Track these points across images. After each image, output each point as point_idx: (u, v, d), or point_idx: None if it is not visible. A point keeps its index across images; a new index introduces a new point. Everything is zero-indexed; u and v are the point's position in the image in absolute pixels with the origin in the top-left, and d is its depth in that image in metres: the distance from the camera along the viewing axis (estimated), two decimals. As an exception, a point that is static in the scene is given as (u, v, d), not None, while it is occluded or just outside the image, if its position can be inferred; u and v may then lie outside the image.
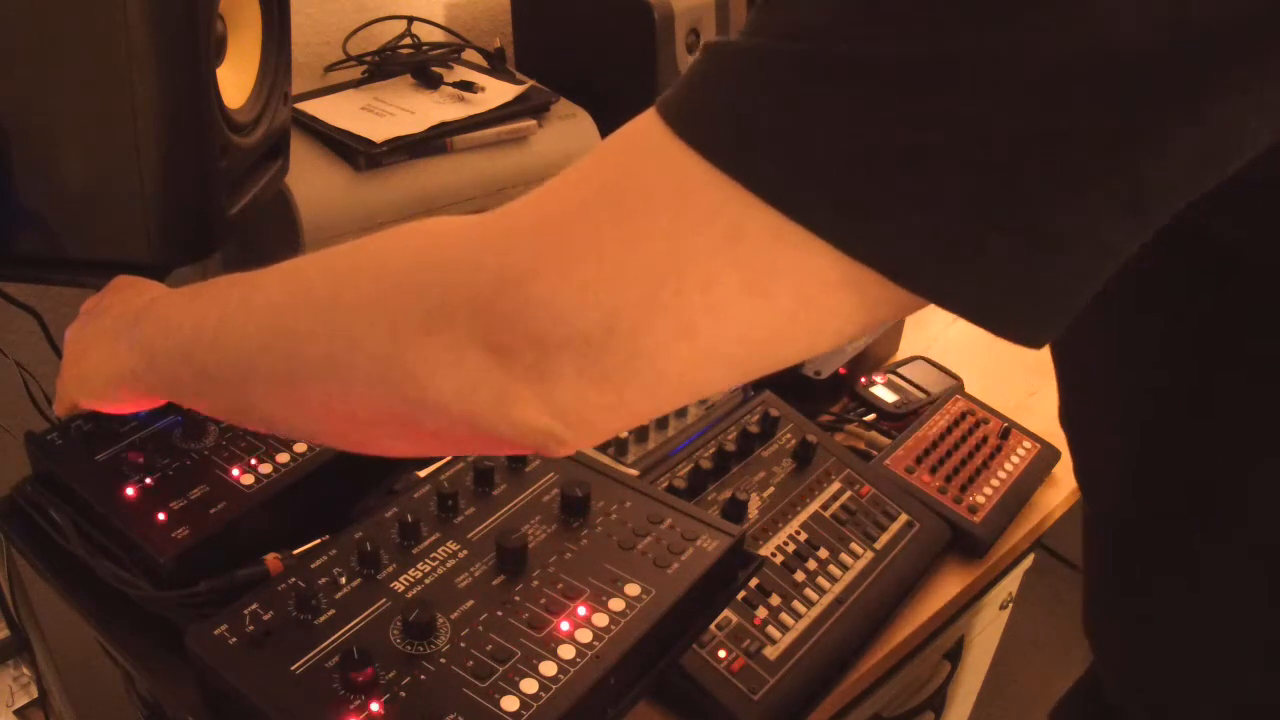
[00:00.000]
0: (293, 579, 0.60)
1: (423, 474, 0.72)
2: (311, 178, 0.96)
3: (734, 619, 0.75)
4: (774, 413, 0.91)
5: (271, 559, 0.64)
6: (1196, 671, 0.56)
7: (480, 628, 0.58)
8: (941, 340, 1.20)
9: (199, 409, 0.58)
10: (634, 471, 0.83)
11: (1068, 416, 0.64)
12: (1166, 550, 0.55)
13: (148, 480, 0.67)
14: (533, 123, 1.08)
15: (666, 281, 0.35)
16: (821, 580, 0.80)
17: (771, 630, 0.75)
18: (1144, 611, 0.59)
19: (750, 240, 0.34)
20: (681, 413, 0.93)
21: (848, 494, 0.88)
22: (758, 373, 0.38)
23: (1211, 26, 0.29)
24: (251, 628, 0.57)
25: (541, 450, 0.40)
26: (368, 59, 1.17)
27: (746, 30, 0.35)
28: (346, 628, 0.58)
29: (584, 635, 0.58)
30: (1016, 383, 1.13)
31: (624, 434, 0.89)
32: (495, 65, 1.20)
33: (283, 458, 0.70)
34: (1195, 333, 0.49)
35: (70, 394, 0.64)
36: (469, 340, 0.38)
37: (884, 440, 1.00)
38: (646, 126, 0.36)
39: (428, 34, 1.23)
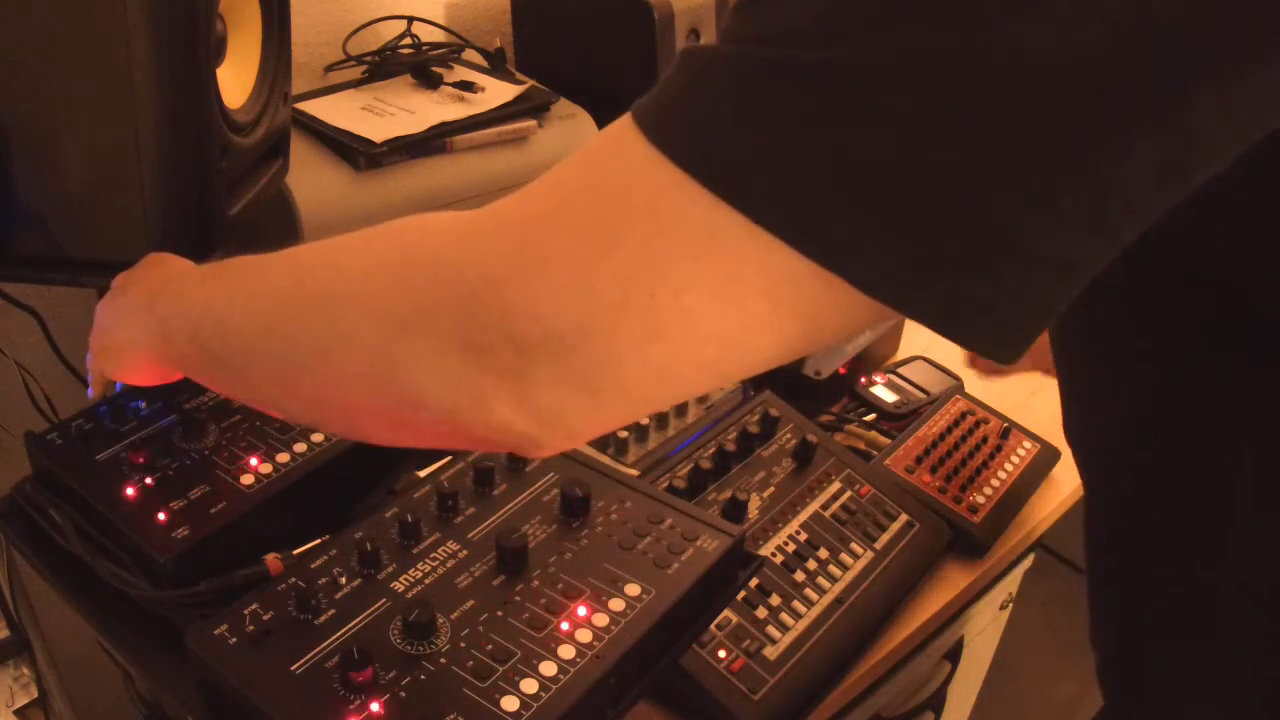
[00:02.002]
0: (293, 579, 0.60)
1: (423, 474, 0.72)
2: (311, 178, 0.96)
3: (734, 619, 0.75)
4: (774, 413, 0.91)
5: (271, 559, 0.64)
6: (1197, 676, 0.56)
7: (480, 628, 0.58)
8: (941, 340, 1.20)
9: (210, 387, 0.60)
10: (634, 471, 0.83)
11: (1070, 430, 0.64)
12: (1167, 559, 0.56)
13: (148, 480, 0.67)
14: (533, 123, 1.08)
15: (640, 285, 0.35)
16: (821, 580, 0.80)
17: (771, 630, 0.75)
18: (1147, 618, 0.59)
19: (720, 245, 0.34)
20: (681, 412, 0.93)
21: (848, 494, 0.88)
22: (733, 377, 0.39)
23: (1175, 33, 0.29)
24: (251, 628, 0.57)
25: (518, 450, 0.41)
26: (368, 59, 1.17)
27: (720, 36, 0.35)
28: (346, 628, 0.58)
29: (584, 635, 0.58)
30: (1016, 383, 1.13)
31: (621, 433, 0.89)
32: (495, 65, 1.20)
33: (283, 458, 0.70)
34: (1192, 350, 0.49)
35: (99, 367, 0.66)
36: (451, 339, 0.39)
37: (884, 440, 1.00)
38: (622, 132, 0.37)
39: (428, 34, 1.23)
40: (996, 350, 0.34)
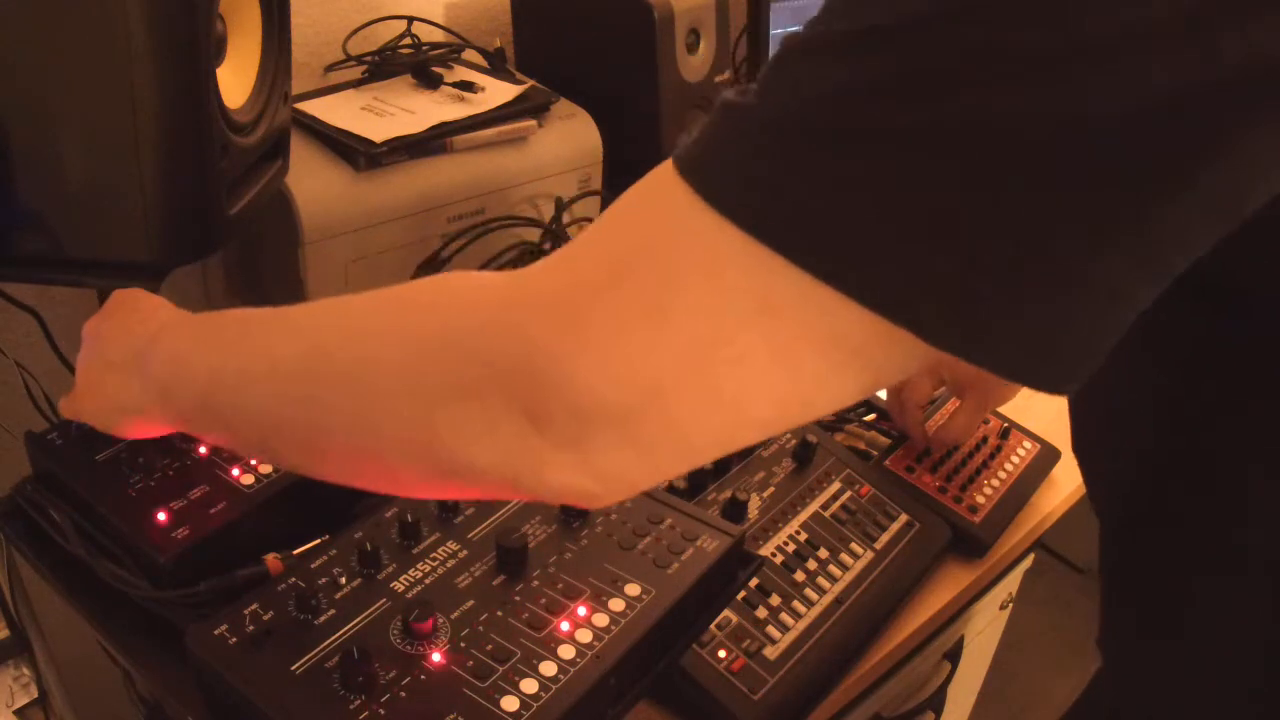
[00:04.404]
0: (293, 579, 0.60)
1: (423, 474, 0.72)
2: (311, 178, 0.96)
3: (734, 619, 0.75)
4: (774, 413, 0.91)
5: (271, 559, 0.64)
6: (1202, 685, 0.56)
7: (480, 628, 0.58)
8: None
9: (222, 447, 0.58)
10: (634, 471, 0.83)
11: (1078, 443, 0.65)
12: (1173, 569, 0.56)
13: (148, 480, 0.67)
14: (533, 123, 1.08)
15: (697, 354, 0.35)
16: (821, 580, 0.80)
17: (771, 630, 0.75)
18: (1153, 624, 0.59)
19: (780, 308, 0.34)
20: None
21: (848, 494, 0.88)
22: (786, 429, 0.40)
23: (1239, 75, 0.29)
24: (251, 628, 0.57)
25: (575, 504, 0.42)
26: (368, 59, 1.17)
27: (762, 91, 0.35)
28: (346, 628, 0.58)
29: (584, 635, 0.58)
30: (1016, 383, 1.13)
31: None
32: (495, 65, 1.20)
33: (283, 458, 0.70)
34: (1197, 363, 0.50)
35: (85, 419, 0.63)
36: (503, 408, 0.38)
37: (884, 440, 1.00)
38: (668, 189, 0.36)
39: (428, 34, 1.23)
40: (1058, 386, 0.34)
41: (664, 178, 0.37)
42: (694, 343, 0.35)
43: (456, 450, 0.40)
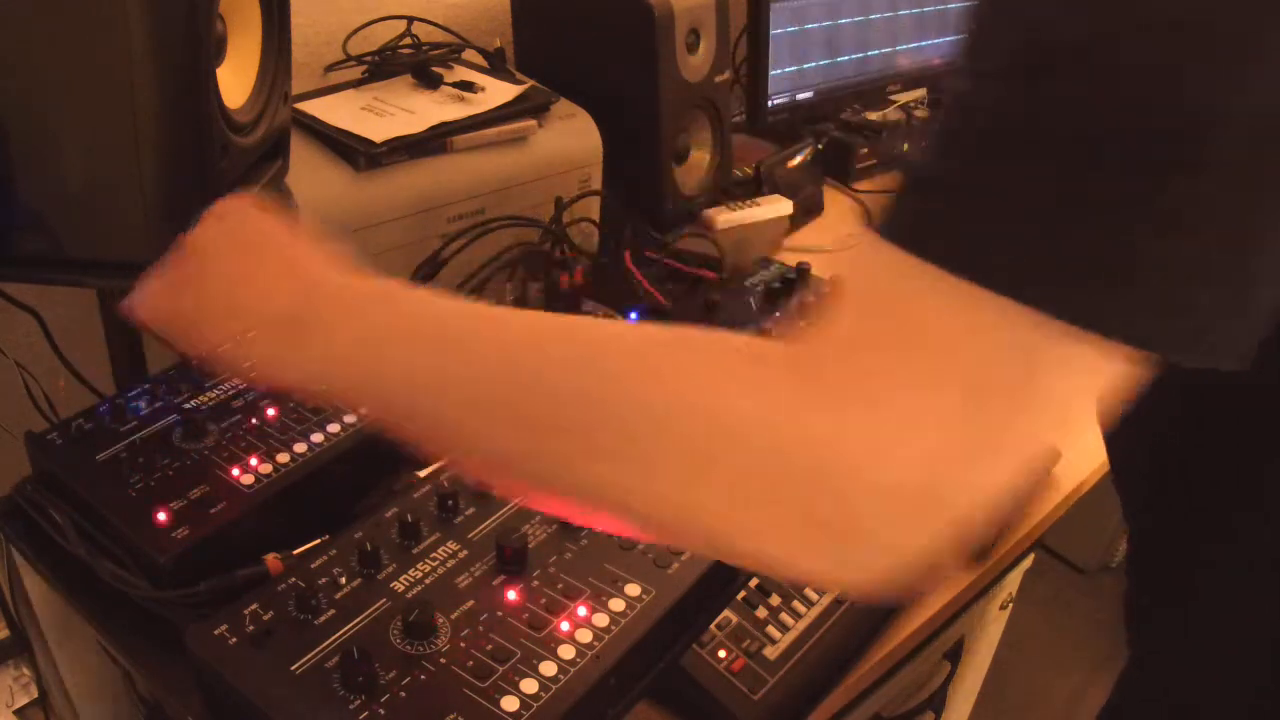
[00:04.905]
0: (293, 579, 0.60)
1: (423, 474, 0.72)
2: (311, 178, 0.96)
3: (734, 619, 0.75)
4: (774, 413, 0.91)
5: (271, 559, 0.64)
6: (1206, 680, 0.56)
7: (480, 628, 0.58)
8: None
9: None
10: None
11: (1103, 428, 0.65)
12: (1179, 563, 0.56)
13: (148, 480, 0.67)
14: (533, 123, 1.08)
15: (986, 444, 0.35)
16: (821, 580, 0.80)
17: (771, 630, 0.75)
18: (1160, 617, 0.59)
19: (1049, 368, 0.34)
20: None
21: (848, 494, 0.88)
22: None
23: None
24: (251, 628, 0.57)
25: (889, 597, 0.42)
26: (368, 59, 1.17)
27: (929, 146, 0.36)
28: (346, 628, 0.58)
29: (584, 635, 0.58)
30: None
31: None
32: (495, 65, 1.20)
33: (283, 458, 0.70)
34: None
35: (183, 346, 0.56)
36: (786, 514, 0.37)
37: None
38: (905, 268, 0.35)
39: (428, 34, 1.23)
40: (1235, 364, 0.35)
41: (889, 257, 0.36)
42: (979, 430, 0.35)
43: (729, 541, 0.39)
